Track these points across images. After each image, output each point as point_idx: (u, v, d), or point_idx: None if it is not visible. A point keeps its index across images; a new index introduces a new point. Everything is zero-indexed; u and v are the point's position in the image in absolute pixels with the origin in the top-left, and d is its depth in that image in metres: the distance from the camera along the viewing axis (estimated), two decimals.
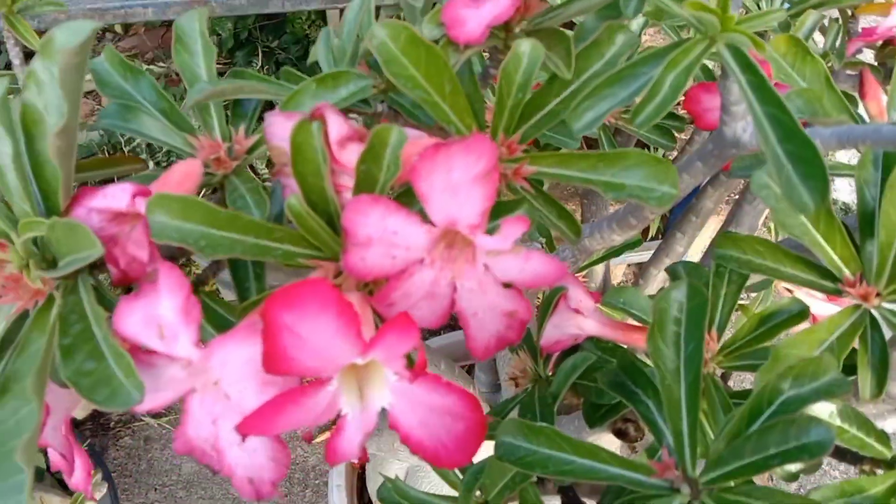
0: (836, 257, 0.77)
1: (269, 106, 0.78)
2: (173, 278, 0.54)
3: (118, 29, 3.57)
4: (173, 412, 2.60)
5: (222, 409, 0.58)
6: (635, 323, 0.96)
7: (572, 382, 0.90)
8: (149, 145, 2.65)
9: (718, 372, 0.94)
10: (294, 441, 2.54)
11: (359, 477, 2.10)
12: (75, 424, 2.29)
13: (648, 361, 0.78)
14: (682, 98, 1.21)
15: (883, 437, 0.83)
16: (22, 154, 0.62)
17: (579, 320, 0.94)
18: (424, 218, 0.58)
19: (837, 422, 0.81)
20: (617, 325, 0.94)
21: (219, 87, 0.67)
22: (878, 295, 0.78)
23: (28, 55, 1.08)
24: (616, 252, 1.34)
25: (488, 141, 0.55)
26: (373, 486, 2.00)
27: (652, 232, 2.74)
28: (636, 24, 0.73)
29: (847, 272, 0.78)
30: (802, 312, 0.84)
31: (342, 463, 0.57)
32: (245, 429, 0.51)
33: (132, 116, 0.72)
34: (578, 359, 0.90)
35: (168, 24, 3.42)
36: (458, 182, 0.55)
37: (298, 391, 0.51)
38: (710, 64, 1.27)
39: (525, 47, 0.65)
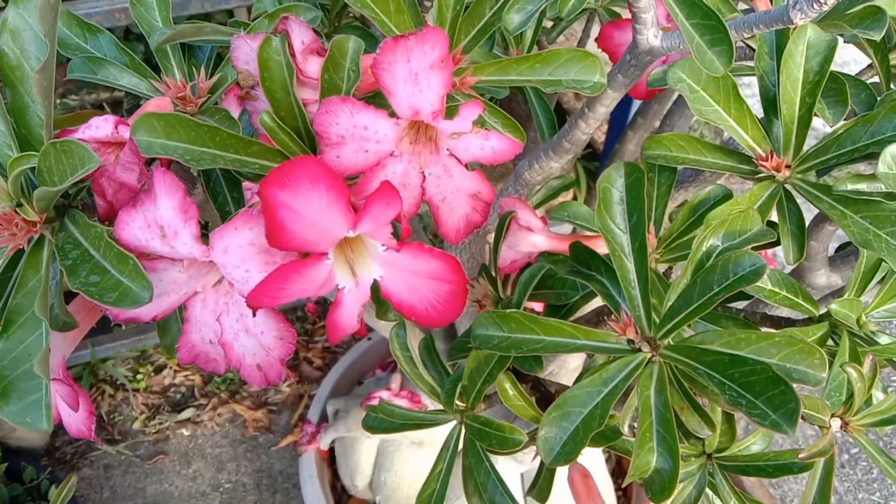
0: (748, 137, 0.87)
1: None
2: (168, 180, 0.59)
3: None
4: (129, 437, 2.56)
5: (225, 302, 0.62)
6: (582, 233, 1.04)
7: (531, 292, 0.97)
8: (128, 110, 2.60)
9: (662, 268, 1.03)
10: (258, 449, 2.53)
11: (329, 465, 2.13)
12: (33, 457, 2.23)
13: None
14: (599, 40, 1.31)
15: (810, 297, 0.94)
16: (4, 102, 0.65)
17: (531, 237, 1.01)
18: (390, 113, 0.64)
19: (769, 286, 0.91)
20: (564, 237, 1.02)
21: (179, 29, 0.72)
22: (787, 167, 0.88)
23: None
24: (553, 195, 1.43)
25: (440, 31, 0.62)
26: (345, 471, 2.02)
27: (581, 198, 2.87)
28: None
29: (759, 150, 0.88)
30: (726, 195, 0.93)
31: (339, 336, 0.62)
32: (255, 300, 0.56)
33: (98, 67, 0.76)
34: (535, 269, 0.97)
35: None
36: (417, 69, 0.62)
37: (299, 262, 0.57)
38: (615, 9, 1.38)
39: None
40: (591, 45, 1.95)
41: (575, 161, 2.97)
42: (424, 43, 0.61)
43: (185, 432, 2.58)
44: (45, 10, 0.64)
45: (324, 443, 1.99)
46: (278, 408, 2.64)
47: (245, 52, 0.68)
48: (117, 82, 0.76)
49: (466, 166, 0.67)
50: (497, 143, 0.65)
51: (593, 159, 3.00)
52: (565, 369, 1.59)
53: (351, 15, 0.93)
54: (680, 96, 1.54)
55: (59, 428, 2.47)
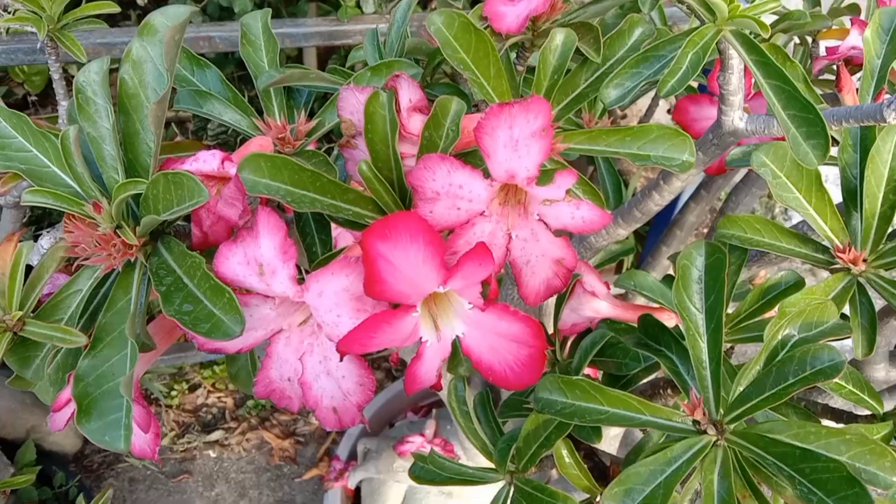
0: (826, 227, 0.87)
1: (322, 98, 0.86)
2: (272, 221, 0.61)
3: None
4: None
5: (310, 343, 0.64)
6: (646, 304, 1.04)
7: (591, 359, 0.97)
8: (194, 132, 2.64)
9: (725, 346, 1.02)
10: (281, 479, 2.53)
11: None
12: (63, 463, 2.25)
13: None
14: (674, 113, 1.32)
15: (875, 393, 0.92)
16: (118, 127, 0.69)
17: (595, 303, 1.02)
18: (485, 175, 0.66)
19: (835, 379, 0.90)
20: (628, 306, 1.02)
21: (287, 73, 0.75)
22: (864, 261, 0.88)
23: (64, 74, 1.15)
24: (610, 259, 1.44)
25: (544, 101, 0.63)
26: None
27: (627, 264, 2.86)
28: (654, 17, 0.84)
29: (837, 241, 0.88)
30: (798, 283, 0.93)
31: (418, 388, 0.63)
32: (345, 346, 0.57)
33: (204, 101, 0.79)
34: (597, 335, 0.97)
35: None
36: (518, 137, 0.63)
37: (390, 313, 0.58)
38: (693, 84, 1.39)
39: (560, 35, 0.75)
40: (659, 114, 1.96)
41: None
42: (528, 112, 0.63)
43: (212, 454, 2.59)
44: (169, 46, 0.67)
45: (351, 481, 1.98)
46: (305, 440, 2.64)
47: (351, 102, 0.70)
48: (221, 117, 0.79)
49: (554, 233, 0.68)
50: (588, 213, 0.66)
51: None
52: (605, 436, 1.57)
53: (442, 72, 0.96)
54: (748, 173, 1.55)
55: None
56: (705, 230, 3.05)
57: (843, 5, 1.50)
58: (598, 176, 1.35)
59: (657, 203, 1.04)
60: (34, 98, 3.01)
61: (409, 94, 0.68)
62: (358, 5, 1.92)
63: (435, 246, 0.58)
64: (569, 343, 1.09)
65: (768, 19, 1.36)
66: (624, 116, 2.92)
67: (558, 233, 0.68)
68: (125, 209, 0.71)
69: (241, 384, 0.89)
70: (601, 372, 1.00)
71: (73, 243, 0.68)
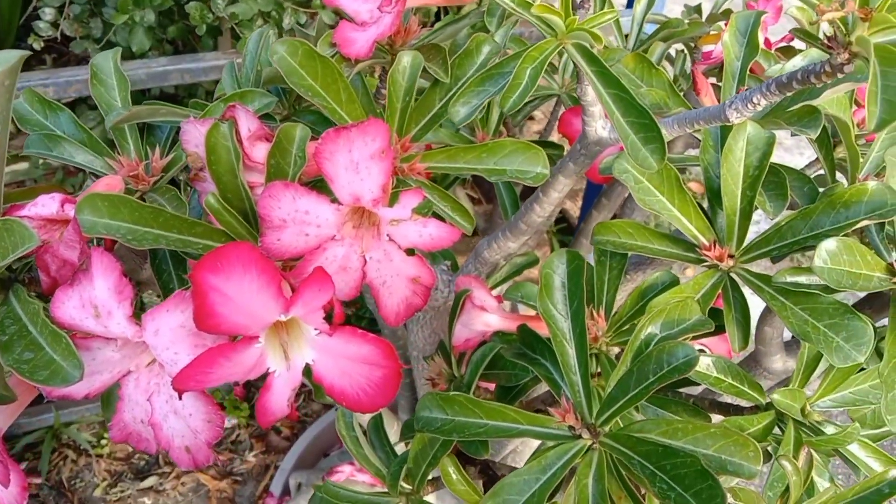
0: (692, 227, 0.90)
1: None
2: (105, 261, 0.59)
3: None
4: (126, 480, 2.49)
5: (156, 383, 0.63)
6: (534, 314, 1.05)
7: (482, 372, 0.98)
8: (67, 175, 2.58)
9: (615, 352, 1.03)
10: None
11: None
12: None
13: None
14: (559, 125, 1.35)
15: (755, 385, 0.94)
16: None
17: (485, 317, 1.02)
18: (332, 199, 0.66)
19: (714, 373, 0.92)
20: (517, 317, 1.03)
21: (134, 110, 0.74)
22: (731, 256, 0.91)
23: None
24: (517, 272, 1.45)
25: (381, 122, 0.64)
26: None
27: None
28: (499, 36, 0.86)
29: (703, 239, 0.90)
30: (674, 282, 0.95)
31: (269, 422, 0.62)
32: (180, 383, 0.56)
33: (55, 145, 0.78)
34: (486, 349, 0.98)
35: None
36: (358, 159, 0.64)
37: (228, 346, 0.57)
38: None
39: (407, 58, 0.76)
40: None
41: (550, 234, 3.01)
42: (366, 134, 0.64)
43: (148, 501, 2.51)
44: (10, 89, 0.66)
45: None
46: (243, 478, 2.58)
47: (194, 135, 0.70)
48: (72, 159, 0.78)
49: (406, 251, 0.68)
50: (435, 231, 0.67)
51: (568, 233, 3.04)
52: (529, 447, 1.58)
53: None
54: None
55: None
56: None
57: (720, 11, 1.56)
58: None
59: (539, 215, 1.06)
60: None
61: (247, 123, 0.68)
62: None
63: (269, 274, 0.58)
64: (466, 359, 1.10)
65: (618, 27, 1.40)
66: (540, 133, 2.96)
67: (411, 252, 0.69)
68: None
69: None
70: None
71: None
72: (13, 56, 0.66)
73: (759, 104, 0.78)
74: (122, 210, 0.64)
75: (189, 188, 0.78)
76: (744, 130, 0.88)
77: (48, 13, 2.06)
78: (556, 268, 0.78)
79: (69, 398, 0.63)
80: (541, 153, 0.77)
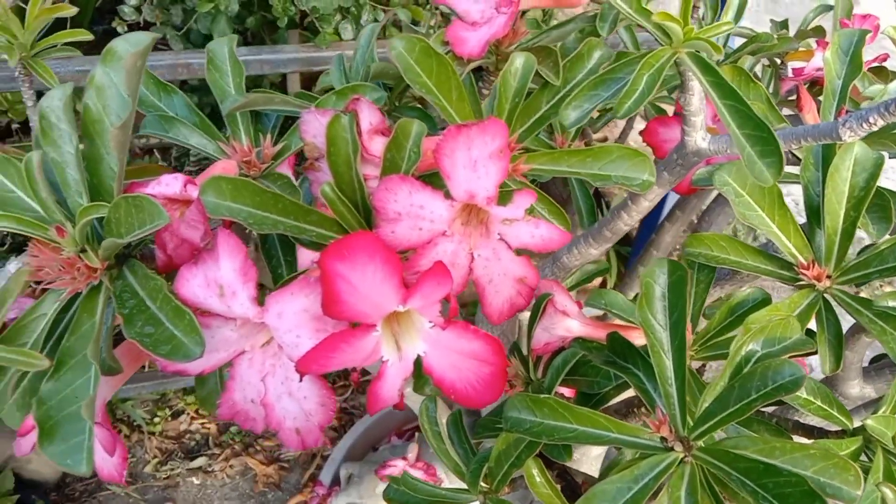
0: (790, 244, 0.88)
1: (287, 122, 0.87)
2: (232, 242, 0.61)
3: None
4: (140, 480, 2.55)
5: (271, 364, 0.64)
6: (617, 322, 1.04)
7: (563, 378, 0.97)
8: (177, 157, 2.64)
9: (696, 365, 1.02)
10: None
11: None
12: (44, 492, 2.23)
13: None
14: (644, 134, 1.34)
15: (844, 409, 0.93)
16: (83, 152, 0.69)
17: (566, 322, 1.02)
18: (446, 195, 0.67)
19: (803, 394, 0.91)
20: (600, 325, 1.03)
21: (251, 97, 0.76)
22: (828, 277, 0.89)
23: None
24: (587, 279, 1.44)
25: (501, 123, 0.64)
26: None
27: (610, 283, 2.87)
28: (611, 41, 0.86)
29: (801, 258, 0.89)
30: (765, 300, 0.94)
31: (379, 409, 0.63)
32: (304, 366, 0.57)
33: (170, 126, 0.80)
34: (568, 354, 0.98)
35: None
36: (476, 157, 0.64)
37: (349, 332, 0.58)
38: (662, 105, 1.42)
39: (520, 59, 0.76)
40: (633, 136, 1.98)
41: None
42: (486, 133, 0.64)
43: (196, 481, 2.56)
44: (131, 73, 0.68)
45: None
46: (290, 465, 2.61)
47: (314, 126, 0.71)
48: (187, 141, 0.80)
49: (515, 251, 0.69)
50: (546, 232, 0.67)
51: (625, 244, 3.01)
52: (587, 456, 1.57)
53: (410, 95, 0.97)
54: (720, 194, 1.57)
55: None
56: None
57: (809, 28, 1.53)
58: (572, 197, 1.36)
59: (626, 223, 1.05)
60: (17, 126, 3.02)
61: (369, 117, 0.69)
62: (336, 32, 1.94)
63: (392, 265, 0.58)
64: (542, 362, 1.10)
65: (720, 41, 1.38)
66: (605, 139, 2.95)
67: (520, 252, 0.69)
68: (90, 233, 0.71)
69: (210, 408, 0.88)
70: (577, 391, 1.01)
71: (37, 267, 0.69)
72: (145, 39, 0.68)
73: (875, 124, 0.76)
74: (244, 194, 0.66)
75: (300, 176, 0.79)
76: (851, 150, 0.86)
77: None
78: (658, 278, 0.77)
79: (184, 373, 0.65)
80: (647, 161, 0.77)
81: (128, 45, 0.68)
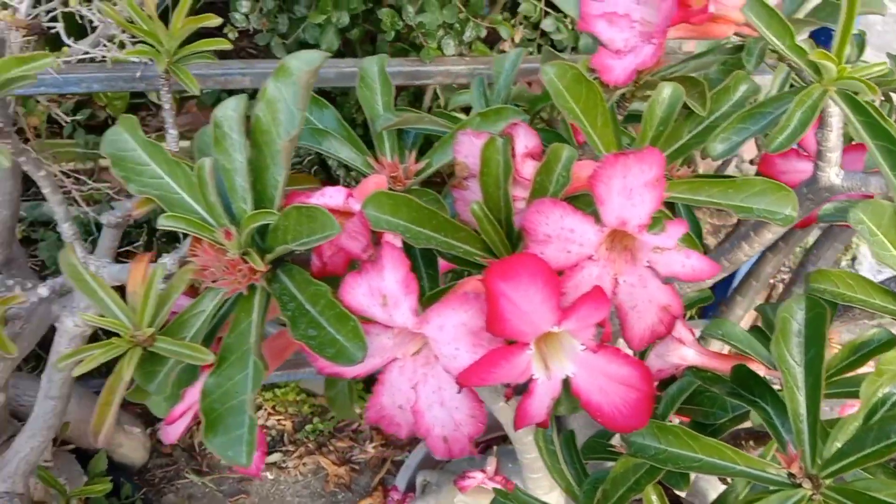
0: None
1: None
2: (396, 256, 0.64)
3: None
4: (216, 471, 2.63)
5: (423, 373, 0.67)
6: (730, 353, 1.04)
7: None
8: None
9: None
10: None
11: None
12: (129, 475, 2.32)
13: None
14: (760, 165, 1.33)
15: None
16: (250, 161, 0.73)
17: (682, 350, 1.02)
18: (596, 220, 0.69)
19: None
20: (715, 355, 1.03)
21: (405, 117, 0.80)
22: None
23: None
24: (689, 306, 1.44)
25: (659, 153, 0.66)
26: None
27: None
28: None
29: None
30: (890, 341, 0.92)
31: (526, 425, 0.65)
32: (465, 378, 0.60)
33: (323, 139, 0.84)
34: (684, 383, 0.98)
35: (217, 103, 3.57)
36: (632, 185, 0.66)
37: (508, 349, 0.61)
38: None
39: (668, 89, 0.78)
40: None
41: None
42: (643, 162, 0.66)
43: (269, 476, 2.62)
44: (302, 89, 0.72)
45: None
46: (360, 468, 2.66)
47: (467, 146, 0.74)
48: (337, 154, 0.84)
49: (662, 280, 0.70)
50: (697, 263, 0.68)
51: None
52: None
53: (540, 117, 0.99)
54: (829, 228, 1.54)
55: (153, 450, 2.57)
56: (780, 283, 3.00)
57: None
58: None
59: (746, 254, 1.05)
60: (112, 121, 3.20)
61: (525, 140, 0.71)
62: (439, 47, 1.98)
63: (553, 287, 0.60)
64: None
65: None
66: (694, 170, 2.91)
67: (666, 280, 0.70)
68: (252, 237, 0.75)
69: (338, 408, 0.92)
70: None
71: (203, 266, 0.73)
72: (317, 58, 0.72)
73: None
74: (403, 209, 0.69)
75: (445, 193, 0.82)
76: None
77: (244, 5, 2.20)
78: (795, 314, 0.77)
79: (341, 376, 0.68)
80: (791, 195, 0.77)
81: (300, 63, 0.72)
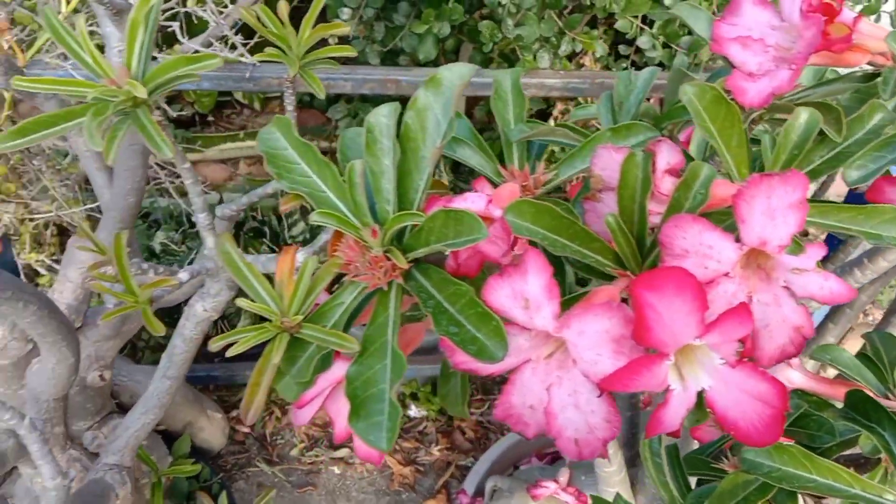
0: None
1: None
2: (540, 261, 0.67)
3: (256, 106, 3.87)
4: (286, 461, 2.70)
5: (558, 375, 0.69)
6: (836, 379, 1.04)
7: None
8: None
9: None
10: None
11: None
12: (206, 460, 2.40)
13: None
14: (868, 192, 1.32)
15: None
16: (395, 165, 0.77)
17: (788, 373, 1.02)
18: (735, 238, 0.70)
19: None
20: (822, 380, 1.02)
21: (539, 129, 0.83)
22: None
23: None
24: None
25: (803, 175, 0.67)
26: None
27: None
28: (892, 104, 0.87)
29: None
30: None
31: (659, 433, 0.67)
32: (608, 384, 0.62)
33: (457, 146, 0.88)
34: (791, 405, 0.98)
35: (300, 105, 3.67)
36: (775, 206, 0.67)
37: (650, 359, 0.63)
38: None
39: (805, 115, 0.79)
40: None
41: None
42: (787, 184, 0.67)
43: (337, 470, 2.68)
44: (451, 100, 0.76)
45: None
46: (425, 469, 2.69)
47: (604, 159, 0.76)
48: (468, 161, 0.88)
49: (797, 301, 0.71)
50: (836, 286, 0.69)
51: None
52: None
53: (662, 134, 1.01)
54: None
55: (229, 437, 2.66)
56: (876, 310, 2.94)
57: None
58: None
59: (858, 280, 1.05)
60: (198, 117, 3.36)
61: (668, 157, 0.74)
62: (534, 59, 2.02)
63: (700, 300, 0.62)
64: None
65: None
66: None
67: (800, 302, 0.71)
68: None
69: (449, 404, 0.95)
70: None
71: (348, 261, 0.77)
72: (469, 71, 0.76)
73: None
74: (544, 217, 0.72)
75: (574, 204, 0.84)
76: None
77: (346, 13, 2.27)
78: None
79: (476, 373, 0.71)
80: None
81: (452, 75, 0.76)
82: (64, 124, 0.80)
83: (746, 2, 0.89)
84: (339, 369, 0.83)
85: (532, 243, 0.74)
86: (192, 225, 2.71)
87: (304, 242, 2.65)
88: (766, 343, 0.72)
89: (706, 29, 0.90)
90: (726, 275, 0.71)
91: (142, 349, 2.68)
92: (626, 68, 2.08)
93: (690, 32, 2.02)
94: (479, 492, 2.15)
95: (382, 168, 0.78)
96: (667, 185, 0.74)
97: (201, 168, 3.42)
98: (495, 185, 0.90)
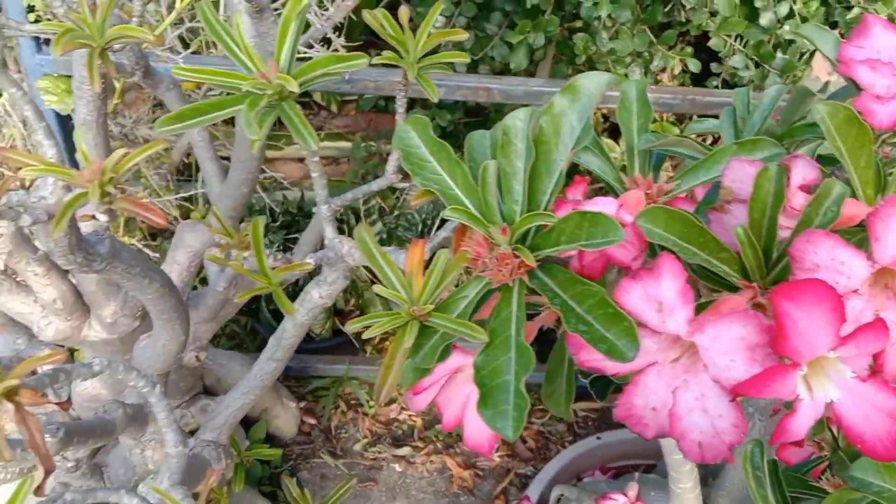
0: None
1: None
2: (675, 266, 0.69)
3: (333, 108, 3.98)
4: (349, 455, 2.75)
5: (684, 379, 0.71)
6: None
7: None
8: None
9: None
10: None
11: None
12: (278, 446, 2.47)
13: None
14: None
15: None
16: (527, 168, 0.81)
17: None
18: (867, 256, 0.71)
19: None
20: None
21: (667, 139, 0.85)
22: None
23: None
24: None
25: None
26: None
27: None
28: None
29: None
30: None
31: (783, 441, 0.68)
32: (742, 389, 0.64)
33: (584, 152, 0.91)
34: None
35: (375, 109, 3.75)
36: None
37: (784, 367, 0.64)
38: None
39: None
40: None
41: None
42: None
43: (398, 468, 2.72)
44: (587, 107, 0.79)
45: None
46: (484, 474, 2.71)
47: (736, 171, 0.78)
48: (589, 166, 0.90)
49: None
50: None
51: None
52: None
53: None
54: None
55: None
56: None
57: None
58: None
59: None
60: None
61: (803, 172, 0.75)
62: (626, 74, 2.03)
63: (837, 313, 0.64)
64: None
65: None
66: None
67: None
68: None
69: (553, 404, 0.98)
70: None
71: (476, 256, 0.81)
72: (606, 80, 0.79)
73: None
74: (676, 224, 0.74)
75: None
76: None
77: (439, 20, 2.33)
78: None
79: (601, 371, 0.74)
80: None
81: (590, 84, 0.78)
82: (216, 112, 0.86)
83: (876, 25, 0.90)
84: (454, 361, 0.86)
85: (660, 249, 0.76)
86: (275, 219, 2.80)
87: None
88: (892, 360, 0.73)
89: (833, 50, 0.91)
90: (855, 291, 0.72)
91: (217, 336, 2.78)
92: (716, 86, 2.08)
93: (785, 53, 2.01)
94: (543, 500, 2.16)
95: (514, 169, 0.81)
96: (799, 200, 0.76)
97: (280, 165, 3.53)
98: (616, 194, 0.93)
